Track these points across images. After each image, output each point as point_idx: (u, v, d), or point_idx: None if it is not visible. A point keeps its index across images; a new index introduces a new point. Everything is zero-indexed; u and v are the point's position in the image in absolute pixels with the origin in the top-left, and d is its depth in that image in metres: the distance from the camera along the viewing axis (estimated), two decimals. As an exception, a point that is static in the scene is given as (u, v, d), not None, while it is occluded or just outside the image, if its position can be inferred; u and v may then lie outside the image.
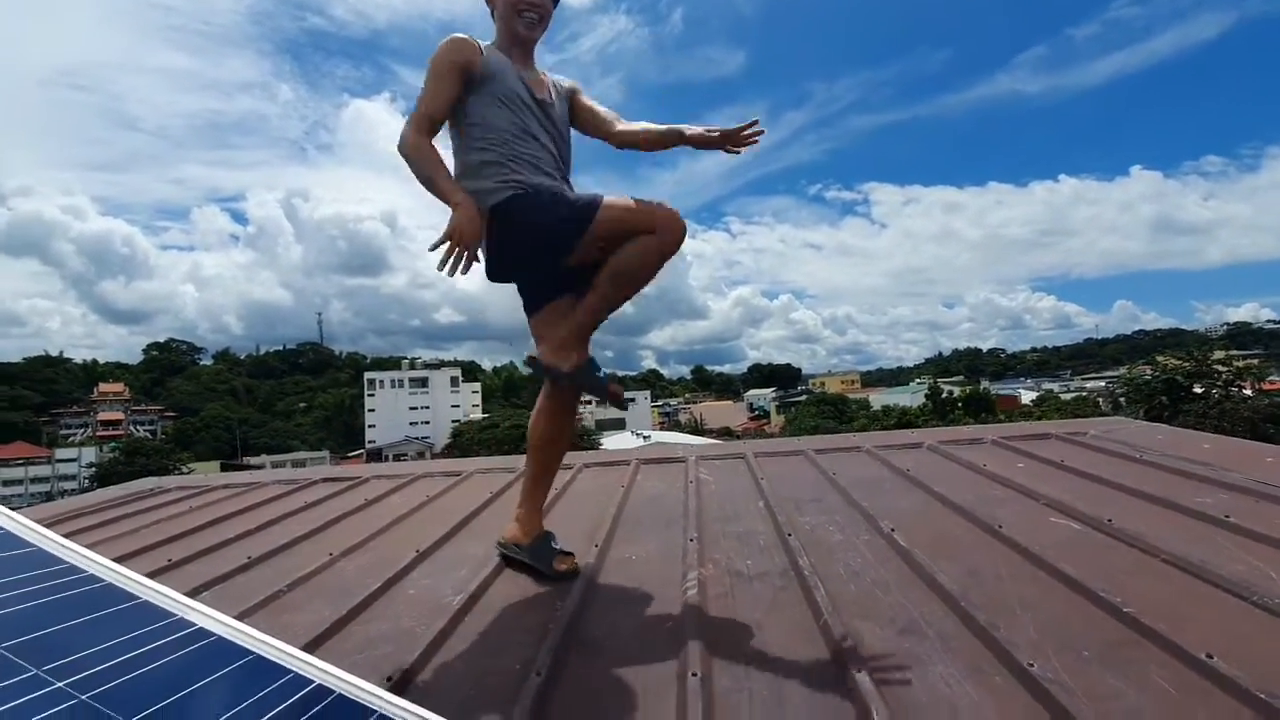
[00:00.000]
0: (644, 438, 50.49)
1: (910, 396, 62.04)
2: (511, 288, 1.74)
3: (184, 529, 2.39)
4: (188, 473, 46.22)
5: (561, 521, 2.11)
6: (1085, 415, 35.18)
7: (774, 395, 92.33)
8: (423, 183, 1.58)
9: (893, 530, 1.70)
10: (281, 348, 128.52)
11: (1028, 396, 67.19)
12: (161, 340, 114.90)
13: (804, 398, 71.85)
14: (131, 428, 77.29)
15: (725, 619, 1.33)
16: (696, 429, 68.55)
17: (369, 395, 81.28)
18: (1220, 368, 36.71)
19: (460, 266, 1.49)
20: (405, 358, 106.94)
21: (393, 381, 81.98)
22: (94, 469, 43.00)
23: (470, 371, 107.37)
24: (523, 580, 1.63)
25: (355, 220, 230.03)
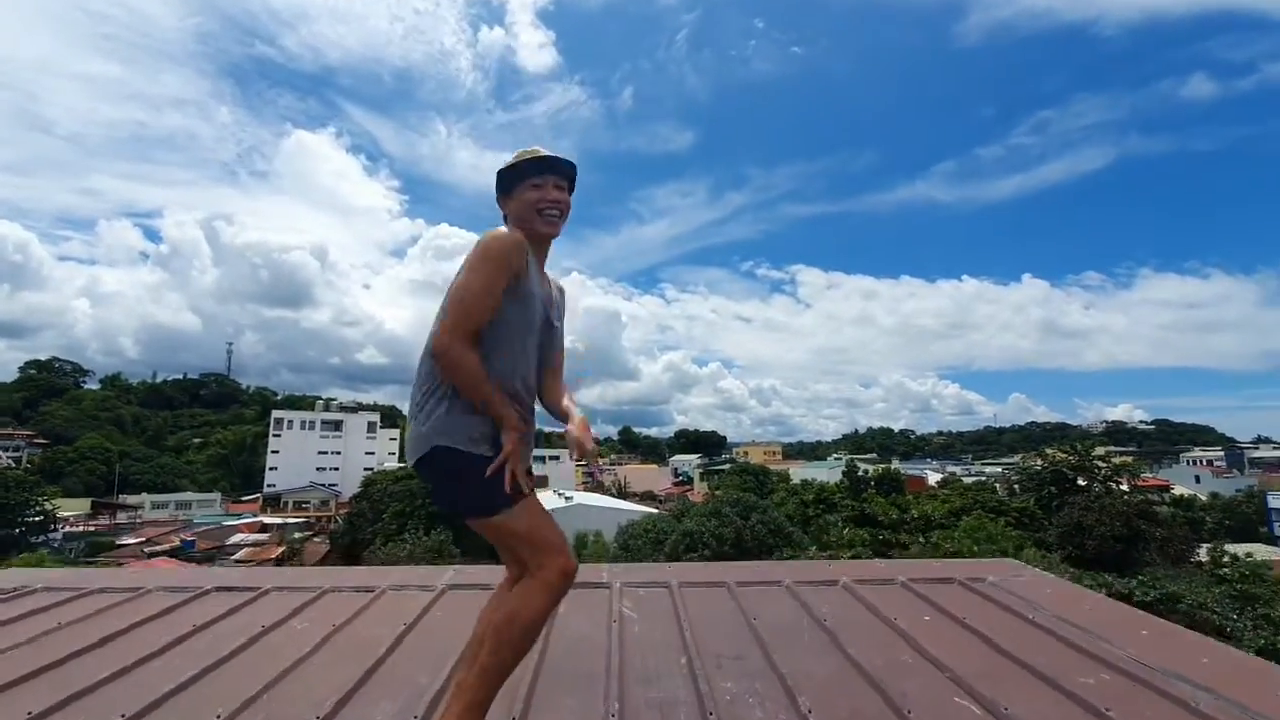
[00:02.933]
0: (566, 498, 49.37)
1: (828, 471, 63.98)
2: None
3: (48, 659, 2.13)
4: (52, 510, 41.41)
5: (478, 672, 2.03)
6: (984, 498, 37.06)
7: (698, 462, 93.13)
8: (469, 396, 1.59)
9: (810, 711, 1.74)
10: (182, 376, 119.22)
11: (933, 478, 70.84)
12: (43, 358, 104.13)
13: (728, 466, 72.68)
14: (-10, 454, 68.89)
15: (643, 832, 1.31)
16: (620, 492, 67.83)
17: (274, 435, 76.06)
18: (1100, 463, 40.17)
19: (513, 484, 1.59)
20: (320, 397, 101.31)
21: (303, 423, 77.24)
22: (-64, 500, 37.87)
23: (390, 417, 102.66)
24: (433, 764, 1.55)
25: (282, 250, 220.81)
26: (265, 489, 70.62)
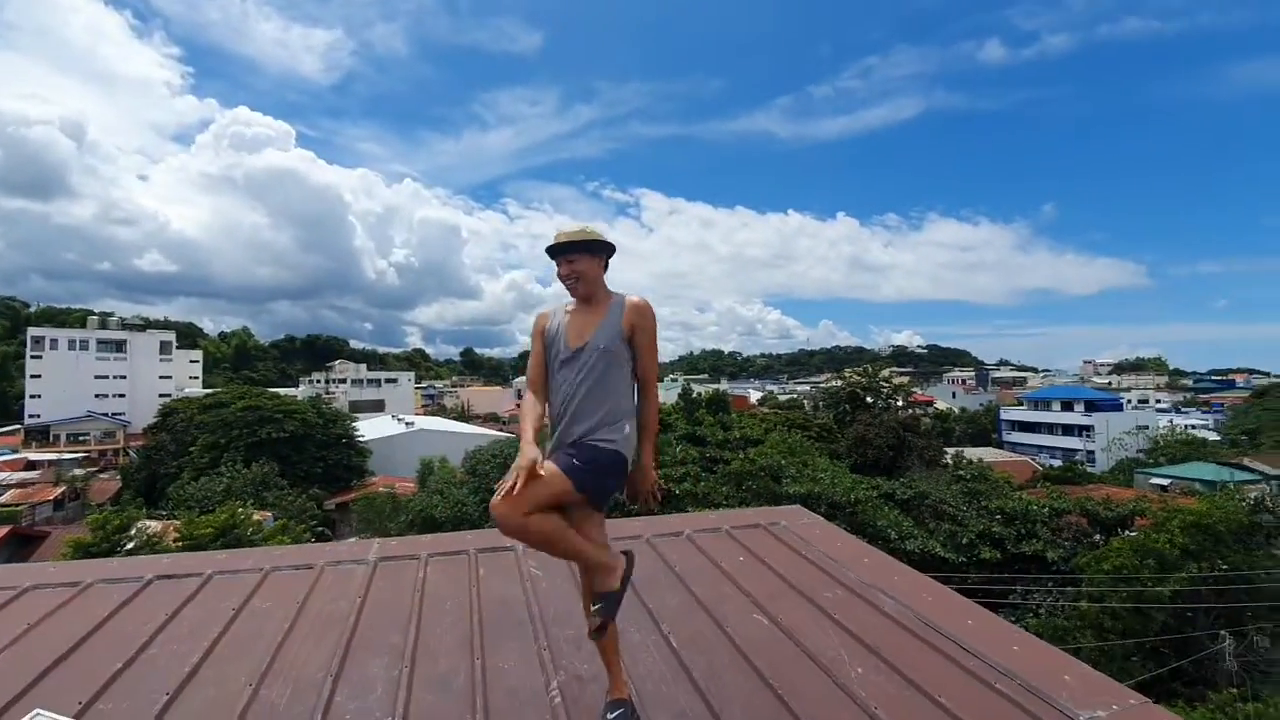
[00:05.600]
0: (406, 424, 48.01)
1: (664, 392, 68.75)
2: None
3: (54, 655, 2.49)
4: None
5: (435, 629, 2.79)
6: (793, 416, 42.13)
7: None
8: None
9: (669, 633, 2.76)
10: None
11: (755, 396, 79.31)
12: None
13: (570, 388, 74.69)
14: None
15: None
16: (463, 415, 67.22)
17: (33, 356, 63.79)
18: (884, 384, 47.52)
19: (509, 490, 1.94)
20: (91, 311, 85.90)
21: (72, 342, 65.46)
22: None
23: (187, 335, 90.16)
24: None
25: (20, 123, 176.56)
26: (27, 420, 59.80)
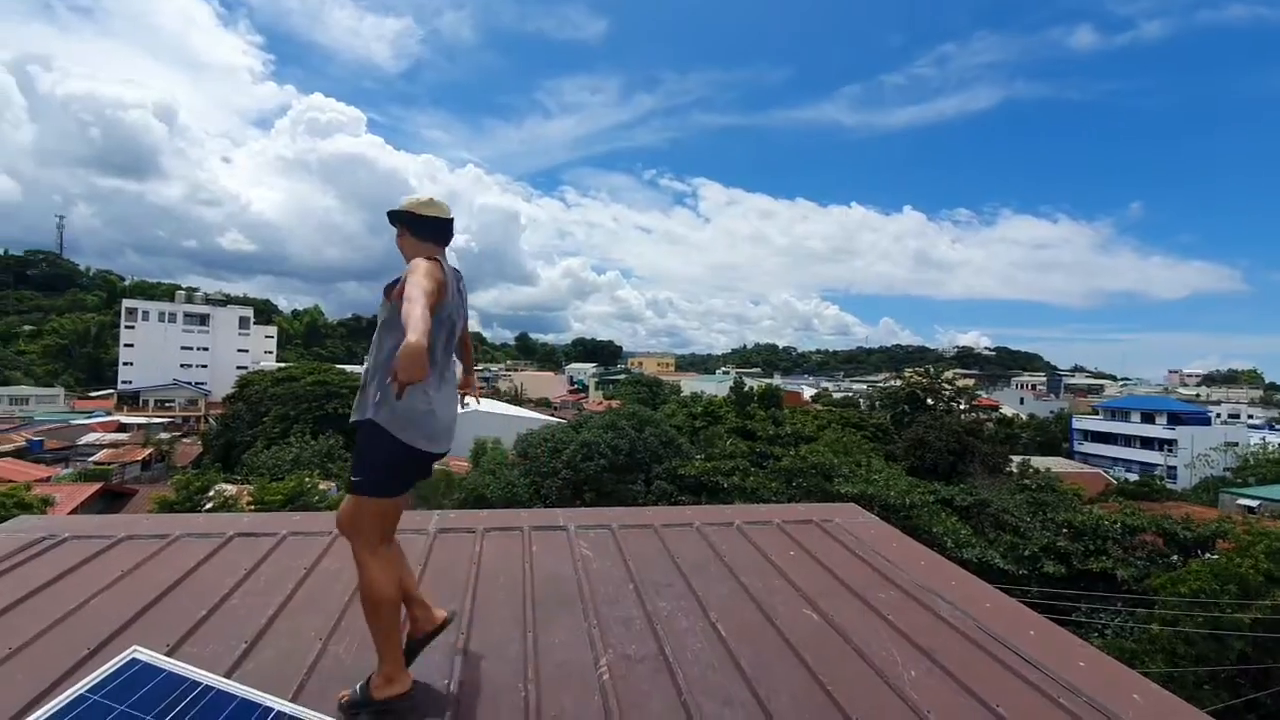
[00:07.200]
0: (463, 405, 49.50)
1: (716, 385, 68.23)
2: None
3: (143, 602, 2.71)
4: None
5: (490, 601, 2.89)
6: (848, 414, 41.19)
7: (594, 371, 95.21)
8: None
9: (716, 620, 2.76)
10: (3, 252, 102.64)
11: (808, 392, 77.90)
12: None
13: (623, 376, 75.17)
14: None
15: (629, 699, 2.25)
16: (516, 398, 68.71)
17: (127, 326, 68.79)
18: (946, 386, 45.74)
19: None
20: (179, 286, 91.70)
21: (162, 314, 70.20)
22: None
23: (263, 311, 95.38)
24: (486, 666, 2.40)
25: (117, 106, 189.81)
26: (120, 385, 64.73)
